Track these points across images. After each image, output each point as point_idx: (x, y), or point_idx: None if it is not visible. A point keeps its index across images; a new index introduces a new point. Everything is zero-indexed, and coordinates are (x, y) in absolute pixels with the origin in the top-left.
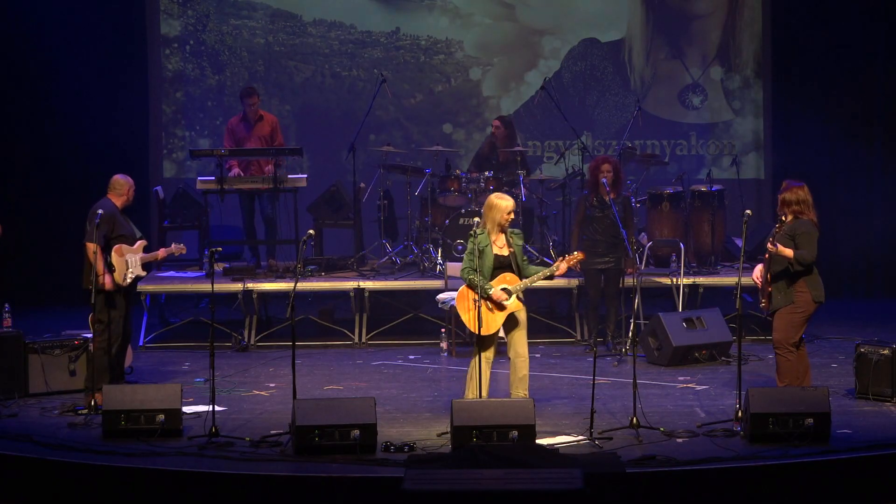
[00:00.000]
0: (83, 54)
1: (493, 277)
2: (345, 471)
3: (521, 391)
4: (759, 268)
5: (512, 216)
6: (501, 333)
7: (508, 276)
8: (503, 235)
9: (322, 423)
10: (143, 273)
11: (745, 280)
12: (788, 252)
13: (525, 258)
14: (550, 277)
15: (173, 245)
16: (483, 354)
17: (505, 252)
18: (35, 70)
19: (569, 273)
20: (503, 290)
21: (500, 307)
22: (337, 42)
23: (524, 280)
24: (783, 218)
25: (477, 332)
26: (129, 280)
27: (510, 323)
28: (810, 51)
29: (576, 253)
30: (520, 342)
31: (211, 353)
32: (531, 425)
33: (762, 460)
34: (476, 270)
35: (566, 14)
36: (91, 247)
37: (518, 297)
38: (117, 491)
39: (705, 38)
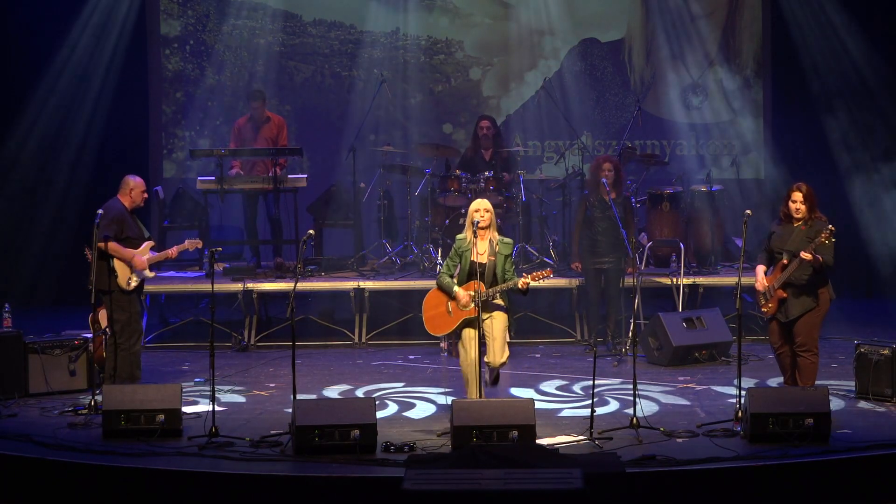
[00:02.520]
0: (83, 54)
1: (464, 283)
2: (345, 471)
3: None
4: (761, 270)
5: (482, 215)
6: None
7: (476, 283)
8: (488, 243)
9: (322, 423)
10: (151, 274)
11: (746, 280)
12: (821, 259)
13: (511, 268)
14: (517, 291)
15: (187, 241)
16: (466, 361)
17: (483, 259)
18: (35, 70)
19: (568, 273)
20: (467, 295)
21: (458, 311)
22: (337, 42)
23: (488, 290)
24: (797, 215)
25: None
26: (132, 284)
27: (485, 334)
28: (810, 51)
29: (545, 270)
30: (497, 353)
31: (211, 353)
32: (531, 425)
33: (762, 460)
34: (451, 276)
35: (566, 14)
36: (101, 246)
37: (483, 306)
38: (117, 491)
39: (705, 38)
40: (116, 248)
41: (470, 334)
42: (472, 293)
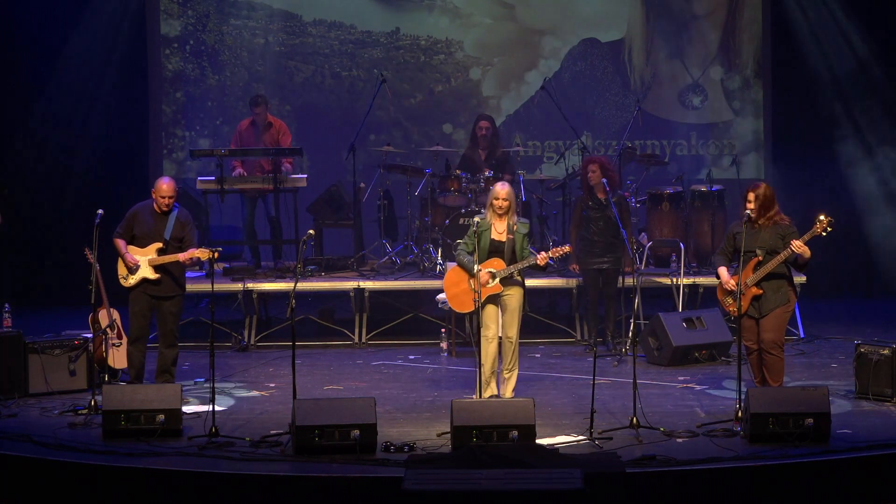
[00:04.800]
0: (83, 54)
1: (484, 261)
2: (345, 471)
3: (506, 374)
4: (724, 271)
5: (502, 203)
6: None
7: (496, 261)
8: (506, 223)
9: (322, 423)
10: (153, 276)
11: None
12: (808, 253)
13: (528, 246)
14: (537, 267)
15: (200, 249)
16: (485, 335)
17: (503, 238)
18: (34, 70)
19: (567, 273)
20: (487, 272)
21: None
22: (337, 42)
23: (508, 267)
24: (752, 216)
25: (474, 310)
26: (129, 282)
27: (501, 307)
28: (810, 51)
29: (564, 247)
30: (508, 325)
31: (211, 353)
32: (531, 425)
33: (762, 460)
34: (470, 253)
35: (566, 14)
36: (116, 242)
37: (502, 282)
38: (117, 491)
39: (705, 38)
40: (116, 245)
41: (491, 311)
42: (489, 271)
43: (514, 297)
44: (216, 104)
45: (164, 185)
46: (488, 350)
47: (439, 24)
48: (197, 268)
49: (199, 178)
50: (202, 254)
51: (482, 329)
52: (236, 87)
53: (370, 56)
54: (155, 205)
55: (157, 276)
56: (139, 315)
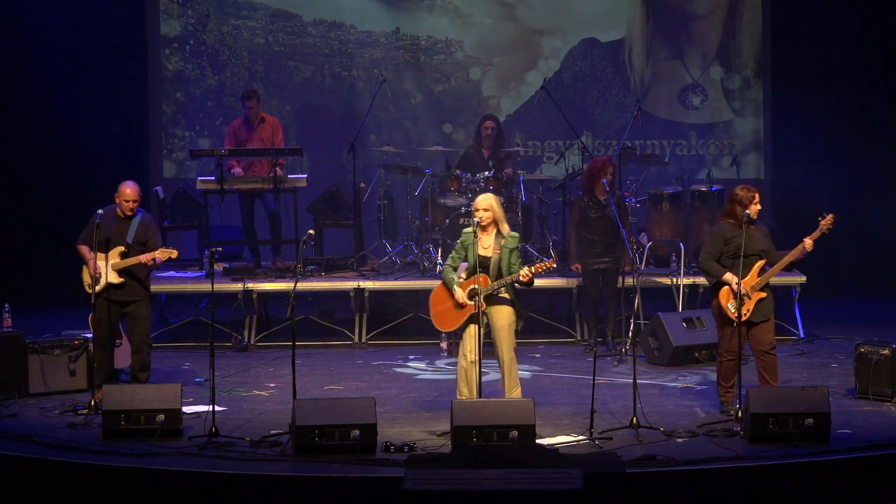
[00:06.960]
0: (83, 54)
1: (469, 276)
2: (345, 471)
3: (511, 392)
4: (731, 275)
5: (482, 214)
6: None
7: (481, 277)
8: (493, 237)
9: (322, 423)
10: (117, 280)
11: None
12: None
13: (517, 261)
14: (525, 284)
15: (160, 249)
16: (464, 354)
17: (489, 253)
18: (34, 70)
19: (568, 273)
20: (470, 290)
21: (462, 306)
22: (337, 42)
23: (492, 283)
24: (746, 218)
25: (451, 329)
26: (95, 289)
27: (490, 327)
28: (810, 51)
29: (546, 261)
30: (500, 346)
31: (211, 353)
32: (531, 425)
33: (762, 460)
34: (455, 269)
35: (566, 14)
36: (81, 249)
37: (486, 300)
38: (117, 491)
39: (705, 38)
40: (80, 252)
41: (471, 332)
42: (474, 289)
43: (502, 316)
44: (216, 104)
45: (128, 190)
46: (467, 375)
47: (439, 24)
48: (197, 267)
49: (199, 178)
50: (161, 254)
51: (461, 350)
52: (236, 87)
53: (370, 56)
54: (119, 209)
55: (122, 280)
56: (103, 322)
